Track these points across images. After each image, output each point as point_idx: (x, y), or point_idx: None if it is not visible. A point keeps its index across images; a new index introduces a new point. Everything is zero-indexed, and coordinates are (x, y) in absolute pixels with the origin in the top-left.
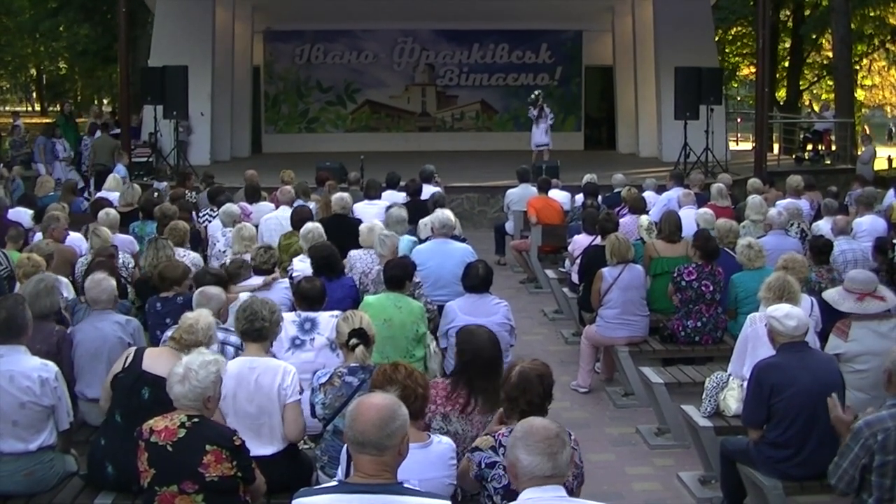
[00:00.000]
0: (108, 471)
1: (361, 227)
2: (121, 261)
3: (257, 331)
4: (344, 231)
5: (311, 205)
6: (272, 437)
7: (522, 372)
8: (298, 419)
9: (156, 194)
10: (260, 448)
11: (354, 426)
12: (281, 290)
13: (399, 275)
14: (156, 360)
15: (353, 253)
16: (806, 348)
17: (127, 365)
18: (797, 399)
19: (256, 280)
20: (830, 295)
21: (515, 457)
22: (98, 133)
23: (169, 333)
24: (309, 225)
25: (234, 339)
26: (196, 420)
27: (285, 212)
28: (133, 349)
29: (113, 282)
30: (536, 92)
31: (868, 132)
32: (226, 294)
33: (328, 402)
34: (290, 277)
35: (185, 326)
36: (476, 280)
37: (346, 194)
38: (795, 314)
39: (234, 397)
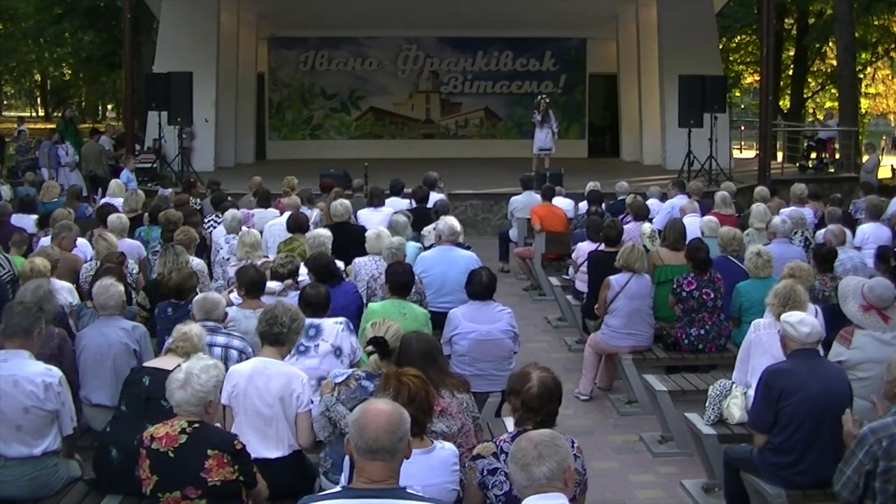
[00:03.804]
0: (112, 454)
1: (368, 234)
2: (130, 268)
3: (275, 335)
4: (346, 238)
5: (315, 212)
6: (278, 440)
7: (544, 382)
8: (311, 427)
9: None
10: (265, 450)
11: (366, 434)
12: (294, 298)
13: (405, 280)
14: (156, 361)
15: (358, 260)
16: (817, 356)
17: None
18: (804, 405)
19: (275, 285)
20: (846, 287)
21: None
22: (101, 140)
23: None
24: (315, 231)
25: (238, 342)
26: (196, 425)
27: None
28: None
29: (121, 287)
30: (542, 96)
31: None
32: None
33: (336, 403)
34: (296, 282)
35: (179, 336)
36: (480, 287)
37: (346, 201)
38: (810, 321)
39: (244, 395)
